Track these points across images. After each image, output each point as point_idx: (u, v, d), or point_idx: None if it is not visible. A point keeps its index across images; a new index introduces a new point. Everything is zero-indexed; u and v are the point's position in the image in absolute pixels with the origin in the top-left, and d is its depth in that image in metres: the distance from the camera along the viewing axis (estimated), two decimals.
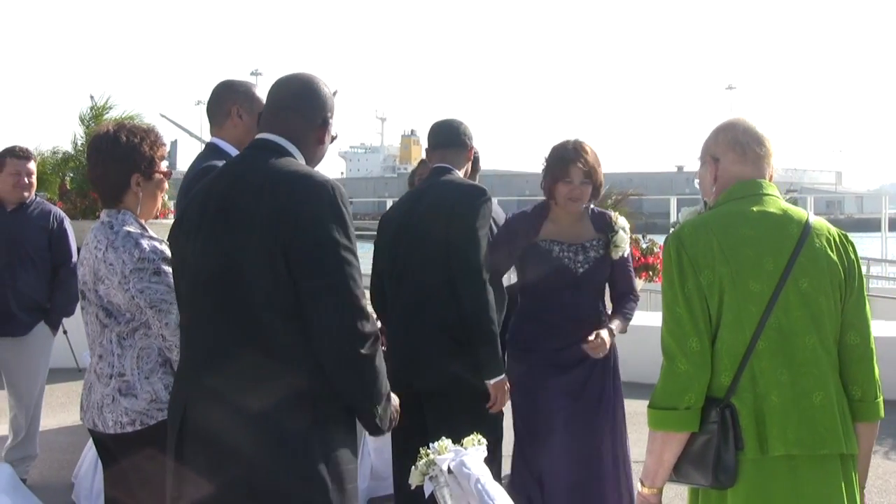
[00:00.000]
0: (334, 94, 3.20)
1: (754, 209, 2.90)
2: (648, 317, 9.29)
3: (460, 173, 4.64)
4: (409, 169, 8.29)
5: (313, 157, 3.09)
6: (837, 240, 2.93)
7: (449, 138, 4.67)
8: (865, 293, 2.95)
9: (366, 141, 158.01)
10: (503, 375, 4.32)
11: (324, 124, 3.08)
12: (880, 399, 2.92)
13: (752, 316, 2.79)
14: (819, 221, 2.93)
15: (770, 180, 3.03)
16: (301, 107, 3.05)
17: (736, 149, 2.99)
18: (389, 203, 12.73)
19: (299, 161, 3.00)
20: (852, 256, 2.93)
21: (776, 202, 2.94)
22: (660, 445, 2.85)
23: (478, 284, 4.23)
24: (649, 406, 2.85)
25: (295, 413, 2.74)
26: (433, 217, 4.37)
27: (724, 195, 2.98)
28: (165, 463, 2.91)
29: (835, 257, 2.87)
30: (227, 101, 4.18)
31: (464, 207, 4.33)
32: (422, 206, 4.49)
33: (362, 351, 2.76)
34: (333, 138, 3.17)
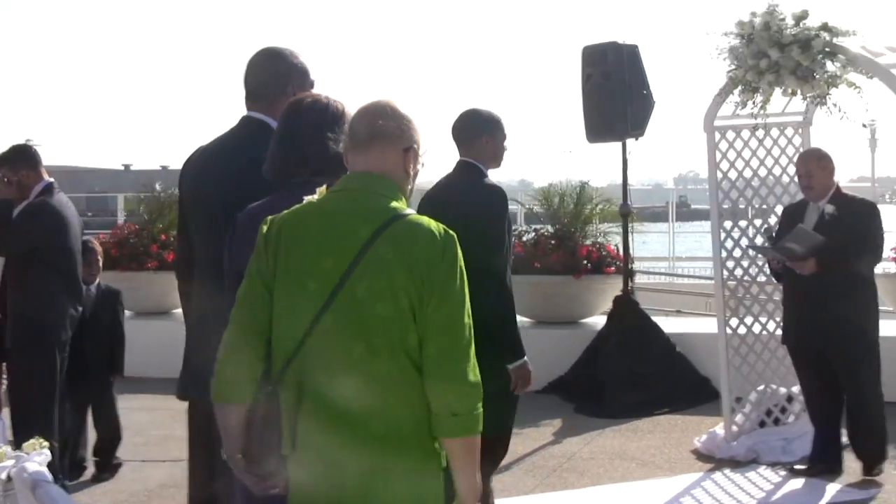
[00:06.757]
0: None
1: (330, 205, 2.78)
2: None
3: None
4: None
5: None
6: (428, 243, 2.68)
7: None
8: (458, 299, 2.68)
9: None
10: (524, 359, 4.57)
11: (290, 93, 3.47)
12: (465, 415, 2.64)
13: (307, 314, 2.68)
14: (414, 223, 2.72)
15: (410, 172, 2.83)
16: (267, 93, 3.55)
17: (352, 135, 2.83)
18: None
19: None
20: (439, 260, 2.67)
21: (369, 200, 2.75)
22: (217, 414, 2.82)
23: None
24: None
25: None
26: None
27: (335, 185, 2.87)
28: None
29: (407, 262, 2.65)
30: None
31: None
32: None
33: None
34: (312, 84, 3.62)
